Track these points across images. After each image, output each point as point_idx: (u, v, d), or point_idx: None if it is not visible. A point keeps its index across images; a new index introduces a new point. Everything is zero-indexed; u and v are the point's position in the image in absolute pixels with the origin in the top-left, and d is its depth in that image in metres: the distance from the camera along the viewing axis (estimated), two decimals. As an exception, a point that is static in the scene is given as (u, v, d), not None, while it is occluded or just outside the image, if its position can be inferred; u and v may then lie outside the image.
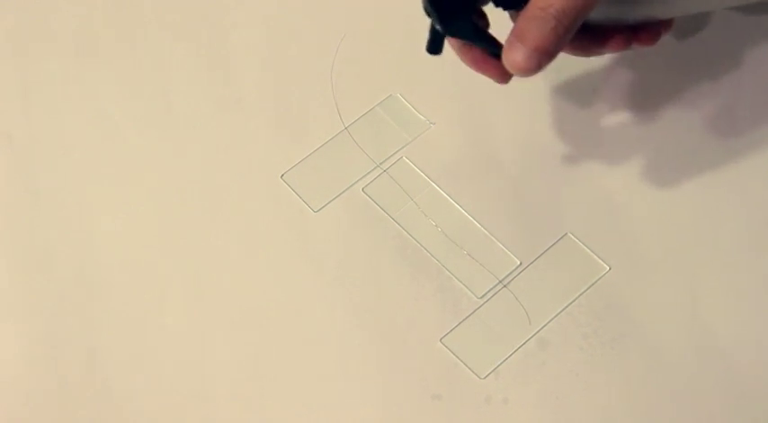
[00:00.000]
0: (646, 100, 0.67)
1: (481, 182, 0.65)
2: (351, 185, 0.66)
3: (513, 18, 0.55)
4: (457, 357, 0.61)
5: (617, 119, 0.67)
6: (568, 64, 0.67)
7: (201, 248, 0.64)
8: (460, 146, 0.67)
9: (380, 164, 0.66)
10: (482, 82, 0.63)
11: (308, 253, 0.63)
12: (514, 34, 0.51)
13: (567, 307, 0.61)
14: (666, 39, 0.62)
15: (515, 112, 0.67)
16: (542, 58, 0.50)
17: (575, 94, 0.68)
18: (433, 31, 0.55)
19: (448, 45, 0.57)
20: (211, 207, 0.65)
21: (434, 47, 0.55)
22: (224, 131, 0.67)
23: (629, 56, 0.66)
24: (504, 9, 0.54)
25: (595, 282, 0.62)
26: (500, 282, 0.62)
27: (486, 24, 0.56)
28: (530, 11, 0.50)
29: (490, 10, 0.56)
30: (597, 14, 0.51)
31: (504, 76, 0.55)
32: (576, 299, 0.61)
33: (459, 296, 0.62)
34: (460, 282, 0.63)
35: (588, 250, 0.63)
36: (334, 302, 0.62)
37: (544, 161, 0.65)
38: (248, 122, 0.67)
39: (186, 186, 0.65)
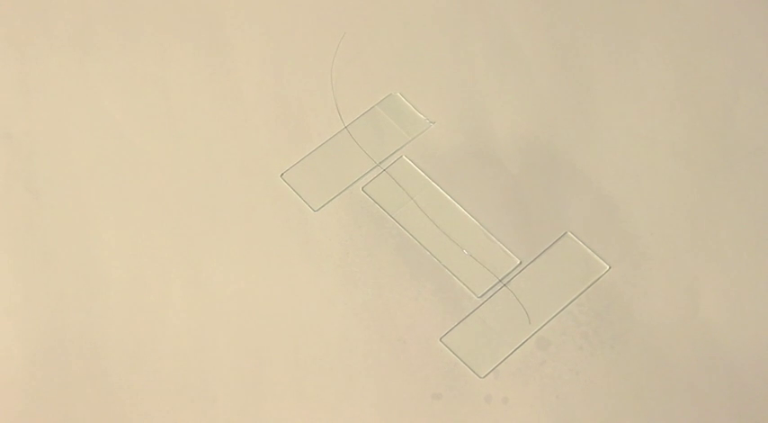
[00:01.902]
0: (645, 99, 0.67)
1: (481, 181, 0.65)
2: (351, 185, 0.66)
3: None
4: (457, 356, 0.60)
5: (617, 118, 0.67)
6: (568, 66, 0.67)
7: (201, 247, 0.63)
8: (460, 145, 0.66)
9: (380, 163, 0.66)
10: (483, 81, 0.66)
11: (308, 252, 0.63)
12: None
13: (567, 306, 0.62)
14: (667, 35, 0.66)
15: (516, 111, 0.67)
16: None
17: (574, 92, 0.68)
18: None
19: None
20: (210, 205, 0.64)
21: None
22: (224, 130, 0.66)
23: (624, 52, 0.66)
24: None
25: (596, 281, 0.62)
26: (500, 281, 0.62)
27: None
28: None
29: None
30: None
31: None
32: (577, 298, 0.62)
33: (458, 295, 0.62)
34: (460, 281, 0.63)
35: (588, 249, 0.63)
36: (333, 301, 0.62)
37: (544, 160, 0.65)
38: (248, 121, 0.67)
39: (185, 185, 0.65)
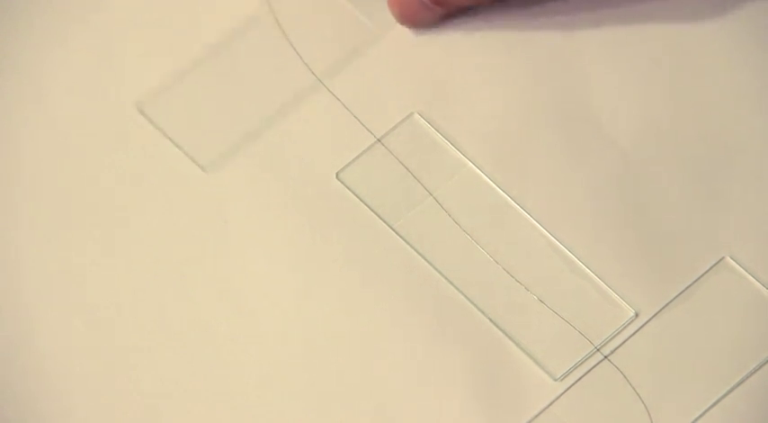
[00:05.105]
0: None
1: (554, 159, 0.53)
2: (309, 165, 0.52)
3: None
4: None
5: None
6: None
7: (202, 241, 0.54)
8: (520, 91, 0.54)
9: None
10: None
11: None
12: None
13: (721, 399, 0.49)
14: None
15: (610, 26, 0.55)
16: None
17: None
18: None
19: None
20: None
21: None
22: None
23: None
24: None
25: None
26: (597, 349, 0.50)
27: None
28: None
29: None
30: None
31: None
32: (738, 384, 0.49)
33: (528, 379, 0.51)
34: (529, 355, 0.51)
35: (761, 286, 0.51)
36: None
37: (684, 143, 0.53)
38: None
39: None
